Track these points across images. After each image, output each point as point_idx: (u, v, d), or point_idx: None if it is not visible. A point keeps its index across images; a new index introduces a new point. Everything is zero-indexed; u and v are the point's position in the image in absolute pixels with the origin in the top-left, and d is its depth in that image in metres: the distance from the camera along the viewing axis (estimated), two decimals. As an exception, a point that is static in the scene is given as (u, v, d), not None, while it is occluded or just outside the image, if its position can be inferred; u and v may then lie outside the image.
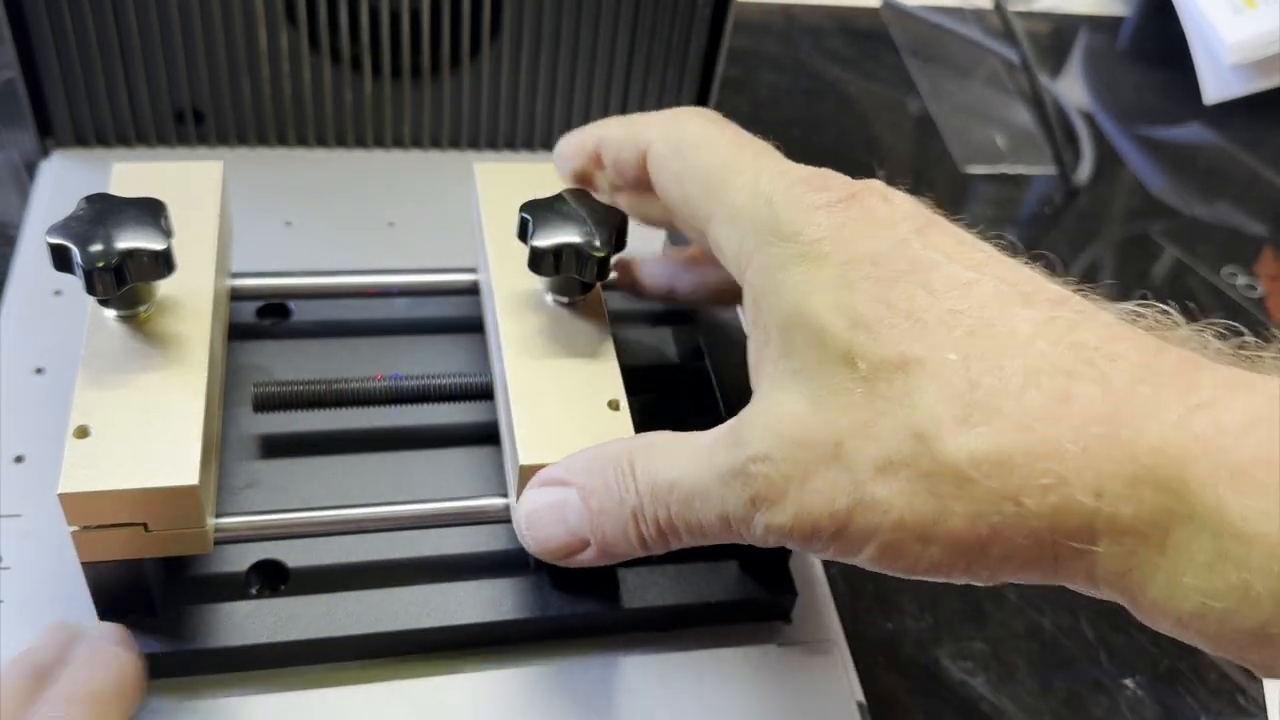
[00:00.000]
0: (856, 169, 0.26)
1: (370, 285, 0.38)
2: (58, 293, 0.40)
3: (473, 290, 0.38)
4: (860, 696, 0.33)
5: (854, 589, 0.42)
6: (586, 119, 0.50)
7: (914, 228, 0.24)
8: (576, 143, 0.33)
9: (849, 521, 0.23)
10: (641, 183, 0.30)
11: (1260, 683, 0.42)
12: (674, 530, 0.26)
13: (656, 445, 0.26)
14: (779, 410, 0.24)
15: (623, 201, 0.33)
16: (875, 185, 0.25)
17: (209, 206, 0.34)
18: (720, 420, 0.34)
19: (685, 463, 0.25)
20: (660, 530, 0.26)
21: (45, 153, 0.46)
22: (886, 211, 0.24)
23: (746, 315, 0.26)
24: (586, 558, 0.27)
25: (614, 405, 0.31)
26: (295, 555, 0.32)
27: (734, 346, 0.37)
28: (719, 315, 0.38)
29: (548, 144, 0.50)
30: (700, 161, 0.27)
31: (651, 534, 0.26)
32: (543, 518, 0.27)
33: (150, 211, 0.30)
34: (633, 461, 0.26)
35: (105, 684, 0.26)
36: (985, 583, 0.23)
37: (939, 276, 0.23)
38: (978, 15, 0.76)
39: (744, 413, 0.25)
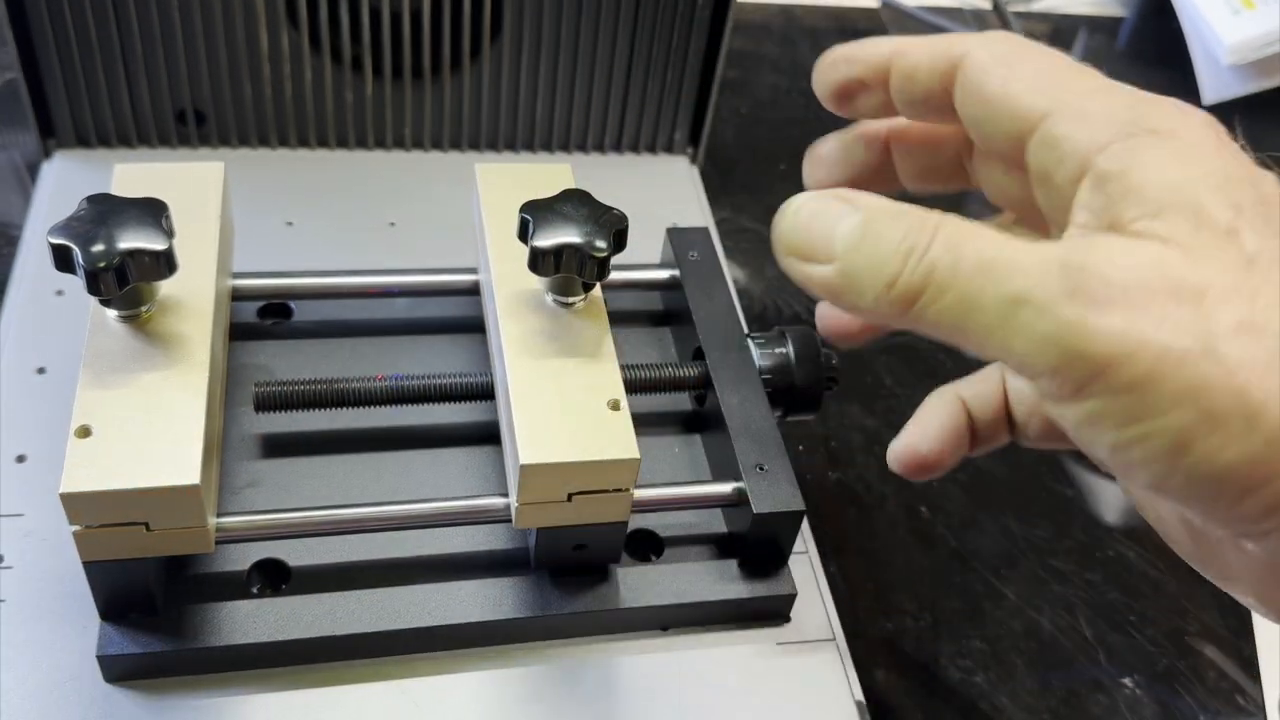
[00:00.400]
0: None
1: (371, 285, 0.38)
2: (60, 293, 0.40)
3: (473, 290, 0.38)
4: (859, 695, 0.33)
5: (853, 588, 0.42)
6: (587, 119, 0.50)
7: (1258, 166, 0.24)
8: (863, 51, 0.31)
9: (1176, 369, 0.21)
10: (932, 98, 0.29)
11: (1259, 682, 0.42)
12: (937, 293, 0.23)
13: (971, 222, 0.24)
14: (1138, 246, 0.22)
15: (902, 121, 0.32)
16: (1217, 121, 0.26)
17: (210, 207, 0.35)
18: (723, 422, 0.35)
19: (1002, 238, 0.23)
20: (919, 286, 0.23)
21: (47, 153, 0.46)
22: (1238, 146, 0.25)
23: (1083, 197, 0.25)
24: (819, 274, 0.25)
25: (614, 405, 0.31)
26: (296, 554, 0.33)
27: (734, 347, 0.37)
28: (719, 315, 0.38)
29: (548, 145, 0.51)
30: (1034, 66, 0.27)
31: (910, 283, 0.23)
32: (811, 217, 0.25)
33: (152, 212, 0.30)
34: (942, 220, 0.24)
35: None
36: (1247, 522, 0.22)
37: None
38: (977, 16, 0.77)
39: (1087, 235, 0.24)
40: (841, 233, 0.25)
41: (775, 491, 0.33)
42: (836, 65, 0.31)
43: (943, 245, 0.23)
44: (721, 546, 0.35)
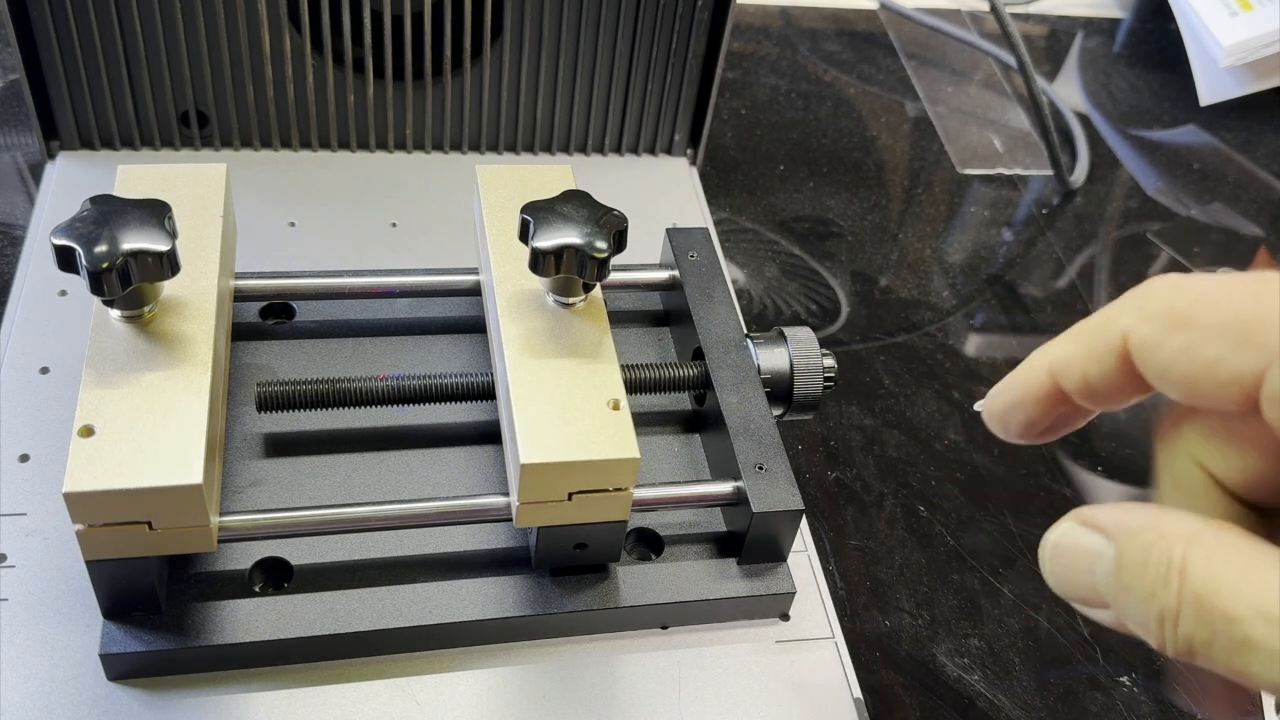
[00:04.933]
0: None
1: (373, 286, 0.38)
2: (63, 293, 0.40)
3: (474, 291, 0.38)
4: (858, 693, 0.34)
5: (851, 587, 0.42)
6: (587, 121, 0.50)
7: None
8: (1017, 387, 0.27)
9: None
10: (1123, 389, 0.26)
11: (1255, 680, 0.42)
12: (1207, 661, 0.22)
13: (1223, 550, 0.22)
14: None
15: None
16: None
17: (213, 208, 0.35)
18: (722, 421, 0.35)
19: (1256, 594, 0.21)
20: (1188, 652, 0.22)
21: (50, 154, 0.46)
22: None
23: None
24: (1103, 618, 0.24)
25: (614, 405, 0.31)
26: (299, 553, 0.33)
27: (733, 347, 0.37)
28: (718, 315, 0.38)
29: (548, 147, 0.51)
30: (1220, 317, 0.23)
31: (1177, 648, 0.22)
32: (1070, 558, 0.24)
33: (155, 213, 0.30)
34: (1186, 560, 0.22)
35: None
36: None
37: None
38: (975, 18, 0.77)
39: None
40: (1098, 581, 0.23)
41: (774, 491, 0.33)
42: (1008, 415, 0.28)
43: (1191, 610, 0.21)
44: (721, 545, 0.35)
